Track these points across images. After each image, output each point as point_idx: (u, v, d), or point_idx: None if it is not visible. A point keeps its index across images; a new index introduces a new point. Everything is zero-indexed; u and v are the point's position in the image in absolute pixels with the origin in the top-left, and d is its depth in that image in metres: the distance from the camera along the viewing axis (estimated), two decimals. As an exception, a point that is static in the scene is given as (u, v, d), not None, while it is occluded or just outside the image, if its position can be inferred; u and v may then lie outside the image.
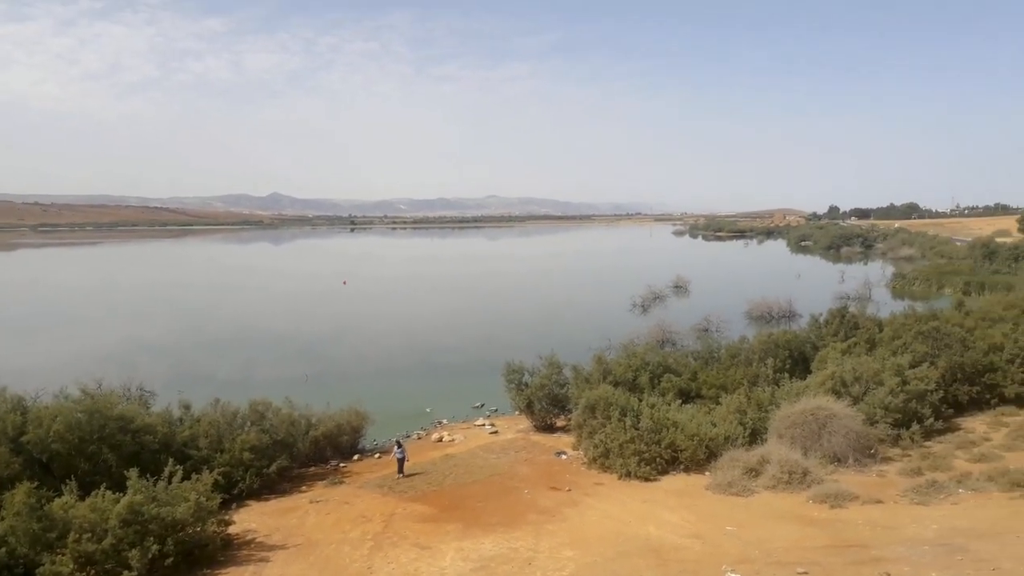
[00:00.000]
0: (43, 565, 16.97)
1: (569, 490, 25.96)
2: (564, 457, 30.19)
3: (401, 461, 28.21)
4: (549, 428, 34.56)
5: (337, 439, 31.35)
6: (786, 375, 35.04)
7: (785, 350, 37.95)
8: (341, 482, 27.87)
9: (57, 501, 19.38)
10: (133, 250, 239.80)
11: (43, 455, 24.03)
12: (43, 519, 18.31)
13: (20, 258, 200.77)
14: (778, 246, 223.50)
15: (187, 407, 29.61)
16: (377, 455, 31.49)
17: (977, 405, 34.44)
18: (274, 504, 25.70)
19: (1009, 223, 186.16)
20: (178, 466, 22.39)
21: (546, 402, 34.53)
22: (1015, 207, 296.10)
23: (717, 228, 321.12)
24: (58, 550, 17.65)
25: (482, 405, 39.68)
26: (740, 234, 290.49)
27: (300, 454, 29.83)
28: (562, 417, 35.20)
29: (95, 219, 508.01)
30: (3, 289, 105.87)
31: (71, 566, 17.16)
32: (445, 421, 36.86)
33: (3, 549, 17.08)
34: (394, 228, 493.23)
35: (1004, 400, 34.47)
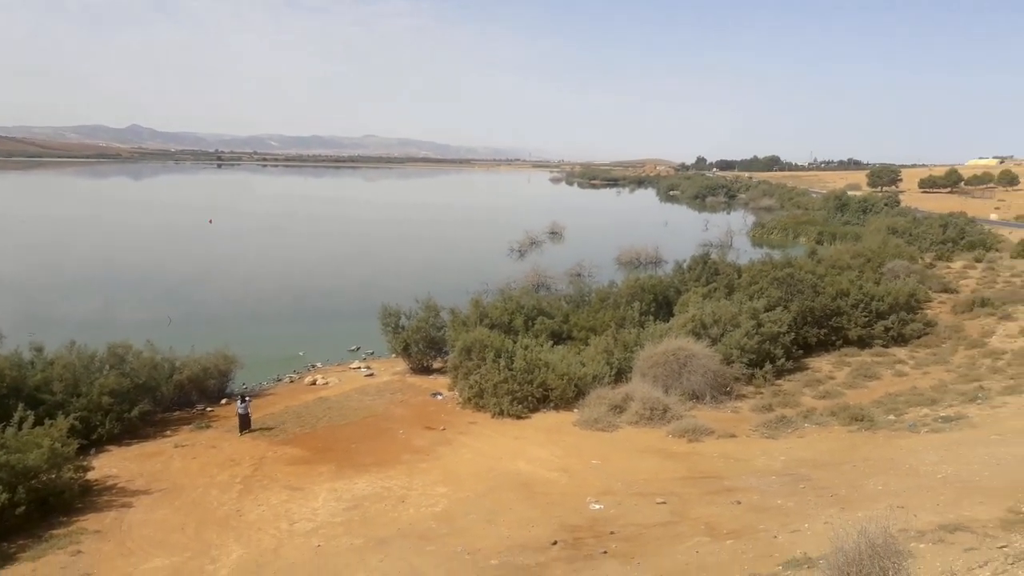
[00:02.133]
0: None
1: (443, 429, 26.41)
2: (440, 398, 30.59)
3: (243, 417, 25.99)
4: (425, 370, 34.81)
5: (203, 383, 30.39)
6: (651, 318, 36.73)
7: (651, 294, 39.68)
8: (208, 426, 27.16)
9: None
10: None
11: None
12: None
13: None
14: (648, 195, 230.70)
15: (39, 350, 27.75)
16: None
17: (824, 346, 37.40)
18: (136, 449, 24.77)
19: (860, 177, 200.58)
20: (29, 411, 21.23)
21: (423, 345, 34.68)
22: (866, 163, 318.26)
23: (592, 176, 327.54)
24: None
25: (357, 348, 39.41)
26: (613, 183, 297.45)
27: (164, 398, 28.81)
28: (439, 359, 35.51)
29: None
30: None
31: (-93, 519, 16.02)
32: (319, 364, 36.39)
33: None
34: (264, 165, 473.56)
35: (848, 342, 37.57)
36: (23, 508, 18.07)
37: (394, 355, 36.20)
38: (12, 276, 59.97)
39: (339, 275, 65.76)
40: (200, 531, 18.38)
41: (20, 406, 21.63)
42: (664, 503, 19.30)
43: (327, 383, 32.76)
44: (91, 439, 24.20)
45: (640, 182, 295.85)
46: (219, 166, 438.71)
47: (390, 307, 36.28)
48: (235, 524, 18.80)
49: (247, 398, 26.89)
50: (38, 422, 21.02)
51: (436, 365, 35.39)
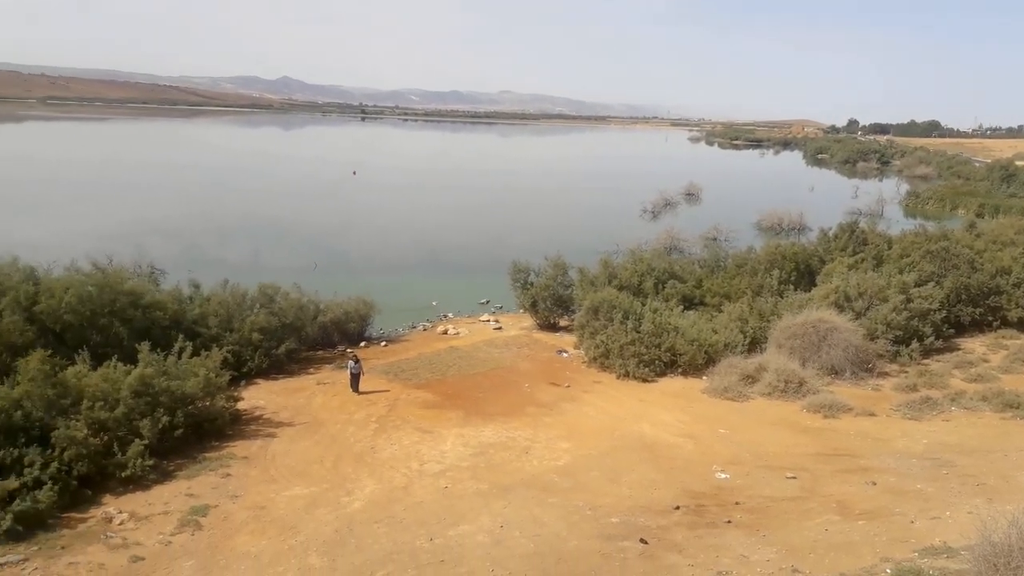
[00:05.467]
0: (58, 429, 17.59)
1: (568, 386, 26.56)
2: (565, 355, 30.74)
3: (355, 376, 25.41)
4: (552, 327, 35.03)
5: (344, 325, 31.91)
6: (791, 287, 35.23)
7: (792, 262, 37.98)
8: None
9: (71, 369, 19.95)
10: (144, 128, 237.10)
11: (56, 326, 24.48)
12: (57, 385, 18.90)
13: (29, 131, 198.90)
14: (794, 158, 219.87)
15: (197, 287, 30.04)
16: (383, 343, 32.11)
17: (978, 327, 34.74)
18: (282, 384, 26.42)
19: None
20: (188, 343, 22.96)
21: (550, 302, 34.88)
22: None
23: (734, 136, 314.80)
24: (72, 416, 18.28)
25: (487, 302, 40.12)
26: (756, 143, 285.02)
27: (308, 338, 30.45)
28: (565, 317, 35.62)
29: (103, 94, 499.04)
30: (13, 163, 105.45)
31: (85, 431, 17.81)
32: (450, 315, 37.36)
33: (19, 412, 17.66)
34: (405, 120, 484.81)
35: (1006, 323, 34.76)
36: (181, 431, 19.74)
37: (522, 311, 36.65)
38: (174, 218, 64.76)
39: (472, 230, 66.89)
40: (337, 464, 19.46)
41: (180, 337, 23.46)
42: (794, 478, 18.70)
43: (457, 333, 33.59)
44: (241, 372, 25.97)
45: (786, 144, 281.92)
46: (363, 119, 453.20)
47: (520, 263, 36.66)
48: (369, 460, 19.77)
49: (359, 358, 26.28)
50: (195, 353, 22.82)
51: (562, 323, 35.52)
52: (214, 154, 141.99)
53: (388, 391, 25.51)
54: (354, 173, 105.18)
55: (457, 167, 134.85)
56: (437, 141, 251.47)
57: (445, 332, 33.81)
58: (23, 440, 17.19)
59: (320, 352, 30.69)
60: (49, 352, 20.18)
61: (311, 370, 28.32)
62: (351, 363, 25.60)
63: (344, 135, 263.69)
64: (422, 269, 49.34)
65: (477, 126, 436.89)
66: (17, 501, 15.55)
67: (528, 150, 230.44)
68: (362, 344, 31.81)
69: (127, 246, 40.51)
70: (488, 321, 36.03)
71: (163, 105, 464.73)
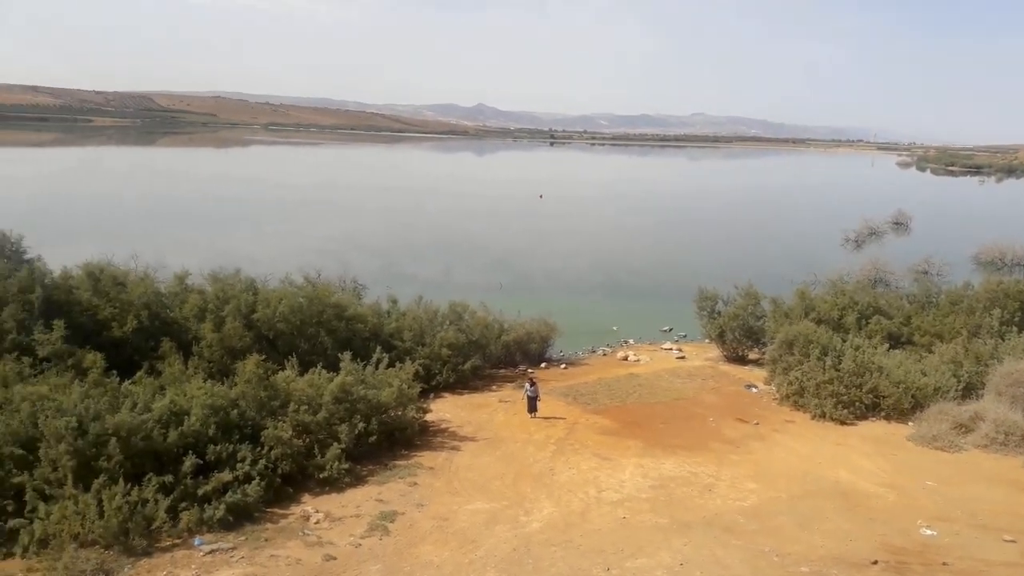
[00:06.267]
0: (267, 428, 19.12)
1: (757, 424, 25.31)
2: (754, 391, 29.36)
3: (532, 400, 24.85)
4: (740, 359, 33.63)
5: (526, 346, 32.44)
6: (1014, 329, 31.53)
7: (1016, 301, 34.01)
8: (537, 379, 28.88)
9: (280, 374, 21.63)
10: (351, 153, 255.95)
11: (270, 333, 26.77)
12: (268, 388, 20.55)
13: (253, 155, 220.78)
14: (1020, 185, 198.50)
15: (394, 302, 31.80)
16: (563, 365, 32.26)
17: None
18: (467, 399, 27.22)
19: None
20: (384, 354, 24.24)
21: (739, 333, 33.51)
22: None
23: (948, 162, 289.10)
24: (280, 417, 19.79)
25: (670, 329, 39.28)
26: (976, 170, 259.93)
27: (492, 356, 31.23)
28: (755, 350, 34.07)
29: (317, 120, 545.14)
30: (238, 183, 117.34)
31: (290, 432, 19.21)
32: (631, 341, 36.92)
33: (235, 411, 19.37)
34: (593, 144, 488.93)
35: None
36: (374, 438, 20.78)
37: (707, 340, 35.48)
38: (375, 237, 69.14)
39: (657, 255, 66.07)
40: (516, 483, 19.68)
41: (378, 348, 24.82)
42: (1013, 541, 16.66)
43: (638, 360, 33.09)
44: (430, 384, 27.05)
45: (1010, 170, 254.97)
46: (551, 144, 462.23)
47: (707, 291, 35.58)
48: (547, 482, 19.83)
49: (535, 381, 25.74)
50: (390, 364, 24.02)
51: (752, 356, 33.99)
52: (412, 177, 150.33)
53: (567, 414, 25.52)
54: (540, 197, 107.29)
55: (643, 191, 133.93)
56: (624, 165, 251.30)
57: (625, 358, 33.42)
58: (237, 437, 18.79)
59: (503, 370, 31.35)
60: (263, 357, 22.08)
61: (494, 387, 28.97)
62: (528, 386, 25.41)
63: (532, 159, 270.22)
64: (604, 293, 49.31)
65: (666, 150, 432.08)
66: (230, 493, 16.99)
67: (720, 173, 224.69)
68: (542, 365, 32.15)
69: (333, 261, 43.77)
70: (671, 349, 35.23)
71: (369, 131, 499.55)
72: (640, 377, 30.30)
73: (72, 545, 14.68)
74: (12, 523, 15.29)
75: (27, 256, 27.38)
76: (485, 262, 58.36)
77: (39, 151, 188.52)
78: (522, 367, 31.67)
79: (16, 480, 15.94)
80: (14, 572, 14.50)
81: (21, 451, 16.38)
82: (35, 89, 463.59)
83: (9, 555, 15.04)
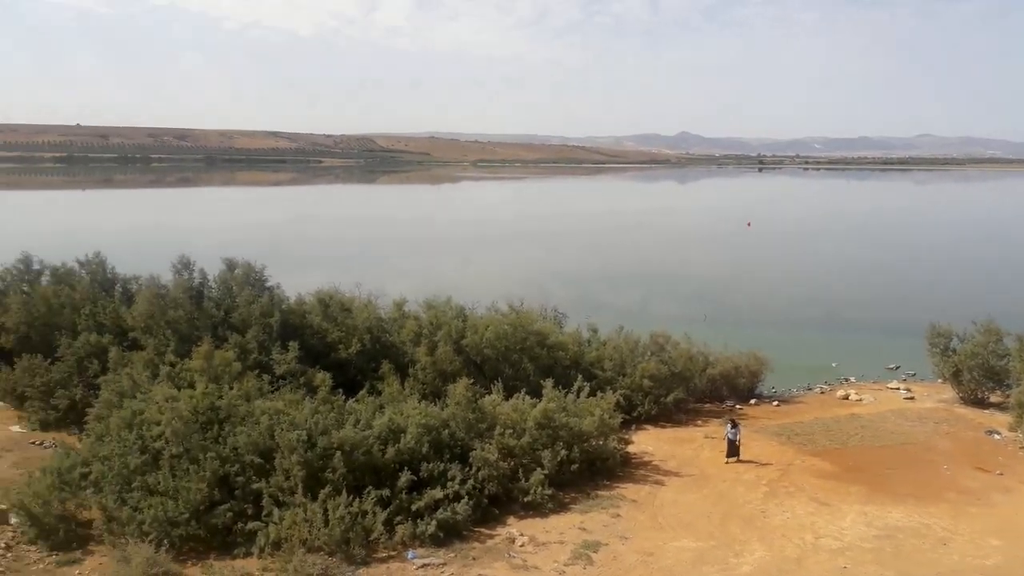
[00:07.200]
0: (475, 450, 19.71)
1: (1000, 474, 22.52)
2: (997, 437, 26.17)
3: (731, 443, 23.28)
4: (979, 402, 30.15)
5: (734, 380, 31.10)
6: None
7: None
8: (742, 417, 27.64)
9: (487, 398, 22.29)
10: (551, 185, 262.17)
11: (477, 358, 27.77)
12: (476, 411, 21.24)
13: (461, 190, 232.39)
14: None
15: (595, 330, 31.80)
16: (775, 402, 30.56)
17: None
18: (670, 433, 26.51)
19: None
20: (586, 383, 24.25)
21: (978, 373, 30.04)
22: None
23: None
24: (486, 439, 20.34)
25: (897, 367, 36.04)
26: None
27: (696, 389, 30.24)
28: (998, 392, 30.43)
29: (521, 156, 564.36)
30: (446, 216, 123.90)
31: (496, 454, 19.68)
32: (852, 379, 34.26)
33: (446, 431, 20.18)
34: (806, 169, 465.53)
35: None
36: (576, 466, 20.78)
37: (940, 380, 32.16)
38: (574, 265, 69.93)
39: (880, 286, 61.29)
40: (725, 523, 18.80)
41: (579, 377, 24.88)
42: None
43: (860, 399, 30.65)
44: (631, 416, 26.61)
45: None
46: (760, 170, 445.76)
47: (939, 326, 32.28)
48: (759, 524, 18.77)
49: (737, 422, 24.14)
50: (591, 393, 23.96)
51: (993, 399, 30.37)
52: (611, 206, 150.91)
53: (779, 455, 24.04)
54: (748, 225, 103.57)
55: (862, 216, 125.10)
56: (840, 190, 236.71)
57: (846, 397, 31.06)
58: (447, 456, 19.54)
59: (708, 405, 30.24)
60: (471, 380, 22.91)
61: (699, 422, 27.99)
62: (729, 427, 23.76)
63: (738, 186, 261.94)
64: (820, 327, 46.25)
65: (888, 173, 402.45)
66: (440, 510, 17.67)
67: (952, 196, 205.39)
68: (752, 401, 30.65)
69: (534, 289, 44.70)
70: (898, 389, 32.29)
71: (570, 163, 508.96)
72: (863, 418, 28.01)
73: (301, 549, 15.87)
74: (251, 525, 16.89)
75: (268, 284, 30.31)
76: (687, 292, 56.99)
77: (277, 189, 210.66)
78: (729, 402, 30.39)
79: (255, 486, 17.59)
80: (252, 570, 15.92)
81: (260, 460, 18.06)
82: (275, 134, 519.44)
83: (248, 554, 16.57)
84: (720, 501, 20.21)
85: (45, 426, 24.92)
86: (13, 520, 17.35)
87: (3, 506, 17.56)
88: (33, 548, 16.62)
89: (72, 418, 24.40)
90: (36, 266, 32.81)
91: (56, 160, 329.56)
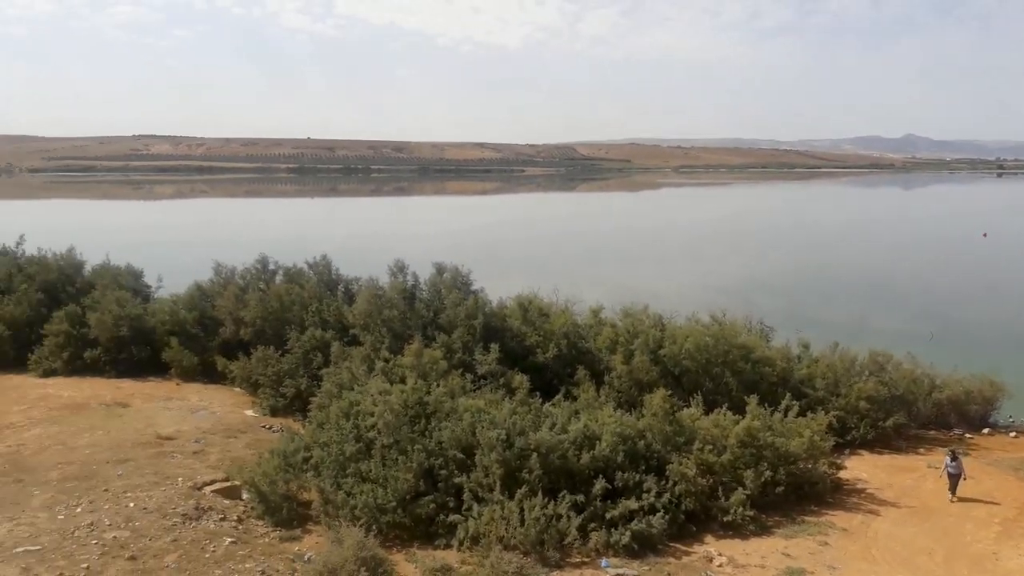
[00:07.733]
0: (672, 463, 19.27)
1: None
2: None
3: (953, 477, 20.76)
4: None
5: (964, 406, 28.07)
6: None
7: None
8: (965, 454, 24.89)
9: (686, 411, 21.68)
10: (760, 192, 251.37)
11: (675, 369, 27.08)
12: (674, 423, 20.73)
13: (660, 196, 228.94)
14: None
15: (806, 346, 29.95)
16: (1013, 433, 27.26)
17: None
18: (888, 460, 24.41)
19: None
20: (795, 402, 22.90)
21: None
22: None
23: None
24: (684, 454, 19.81)
25: None
26: None
27: (919, 414, 27.64)
28: None
29: (727, 161, 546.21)
30: (643, 223, 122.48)
31: (694, 470, 19.10)
32: (1113, 411, 29.79)
33: (642, 442, 19.89)
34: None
35: None
36: (781, 488, 19.66)
37: None
38: (784, 277, 66.47)
39: None
40: (949, 562, 17.02)
41: (787, 395, 23.50)
42: None
43: (1124, 436, 26.59)
44: (845, 439, 24.80)
45: None
46: (999, 175, 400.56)
47: None
48: (990, 567, 16.81)
49: (958, 455, 21.38)
50: (800, 413, 22.52)
51: None
52: (827, 214, 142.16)
53: (1016, 491, 21.36)
54: (984, 235, 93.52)
55: None
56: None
57: (1103, 431, 27.09)
58: (643, 467, 19.25)
59: (932, 432, 27.50)
60: (669, 392, 22.40)
61: (921, 450, 25.53)
62: (948, 460, 20.98)
63: (973, 193, 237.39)
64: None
65: None
66: (635, 521, 17.44)
67: None
68: (984, 431, 27.50)
69: (738, 300, 43.00)
70: None
71: (781, 169, 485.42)
72: (1126, 457, 24.28)
73: (497, 546, 16.32)
74: (452, 518, 17.63)
75: (473, 287, 31.60)
76: (910, 308, 52.35)
77: (482, 198, 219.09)
78: (957, 431, 27.49)
79: (457, 480, 18.35)
80: (451, 562, 16.58)
81: (462, 455, 18.82)
82: (482, 145, 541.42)
83: (448, 546, 17.31)
84: (944, 538, 18.31)
85: (274, 411, 27.62)
86: (245, 496, 19.30)
87: (237, 482, 19.61)
88: (260, 523, 18.34)
89: (297, 405, 26.92)
90: (272, 266, 36.39)
91: (289, 171, 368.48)
